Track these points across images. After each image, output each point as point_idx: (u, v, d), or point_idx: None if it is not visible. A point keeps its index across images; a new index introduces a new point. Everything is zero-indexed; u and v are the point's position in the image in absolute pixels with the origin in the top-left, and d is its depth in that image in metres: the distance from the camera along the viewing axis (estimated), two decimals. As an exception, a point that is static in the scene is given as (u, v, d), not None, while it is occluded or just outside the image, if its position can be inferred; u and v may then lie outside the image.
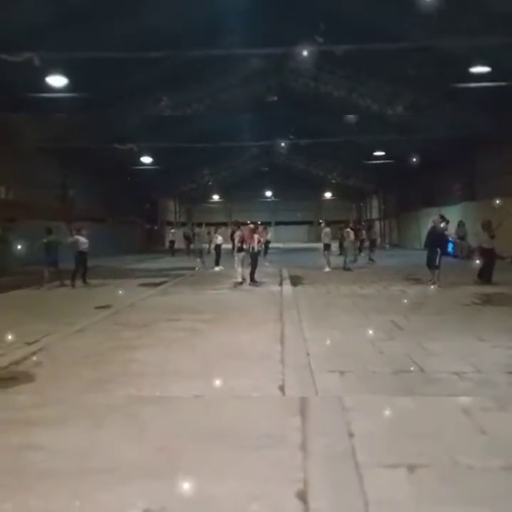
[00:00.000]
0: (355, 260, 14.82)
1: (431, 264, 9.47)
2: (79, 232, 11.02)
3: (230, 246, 14.06)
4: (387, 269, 13.14)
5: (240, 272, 10.24)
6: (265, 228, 18.42)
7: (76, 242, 10.65)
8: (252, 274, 10.27)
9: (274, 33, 13.57)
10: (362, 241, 17.44)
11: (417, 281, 9.96)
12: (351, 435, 2.64)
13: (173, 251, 22.94)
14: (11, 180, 16.06)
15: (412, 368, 4.03)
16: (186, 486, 2.29)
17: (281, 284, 10.09)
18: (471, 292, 8.41)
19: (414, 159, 21.23)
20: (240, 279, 10.14)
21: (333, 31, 11.76)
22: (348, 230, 14.77)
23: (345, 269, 12.98)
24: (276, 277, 11.15)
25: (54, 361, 4.44)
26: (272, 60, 15.20)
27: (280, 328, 5.73)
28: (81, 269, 10.59)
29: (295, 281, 10.69)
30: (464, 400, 3.12)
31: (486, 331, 5.29)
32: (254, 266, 10.32)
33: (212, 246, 14.43)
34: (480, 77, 11.37)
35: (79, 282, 10.38)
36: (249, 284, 10.02)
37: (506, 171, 16.42)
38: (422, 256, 10.27)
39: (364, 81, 16.30)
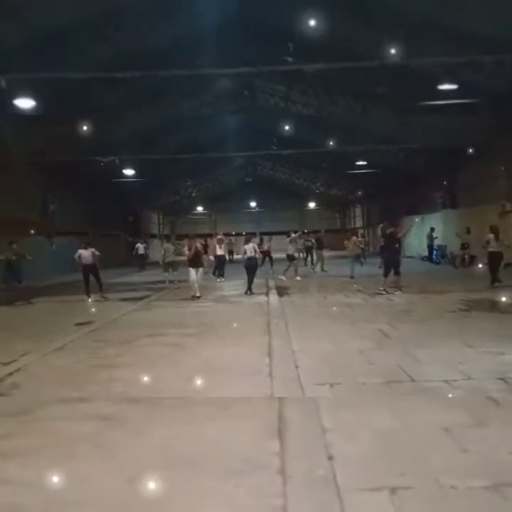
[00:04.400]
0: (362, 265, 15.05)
1: (388, 272, 9.65)
2: (89, 245, 10.69)
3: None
4: (373, 278, 13.19)
5: (196, 285, 9.81)
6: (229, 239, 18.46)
7: (79, 256, 10.39)
8: (249, 284, 10.18)
9: (245, 54, 13.69)
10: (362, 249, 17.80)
11: (405, 288, 9.98)
12: (331, 457, 2.52)
13: (142, 265, 22.18)
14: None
15: (402, 378, 3.96)
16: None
17: (267, 295, 9.98)
18: (455, 299, 8.46)
19: (397, 169, 21.63)
20: (197, 294, 9.74)
21: (303, 51, 11.96)
22: (359, 238, 14.98)
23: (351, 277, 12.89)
24: (263, 288, 11.04)
25: (32, 382, 4.22)
26: (242, 79, 15.34)
27: (268, 340, 5.61)
28: (96, 282, 10.47)
29: (281, 291, 10.61)
30: (444, 417, 3.01)
31: (473, 337, 5.28)
32: (251, 277, 10.25)
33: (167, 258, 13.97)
34: (449, 93, 11.73)
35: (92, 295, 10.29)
36: (247, 294, 9.98)
37: (482, 181, 16.86)
38: (407, 263, 10.34)
39: (335, 100, 16.46)
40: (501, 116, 13.82)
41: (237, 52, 13.51)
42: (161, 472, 2.51)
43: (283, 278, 13.11)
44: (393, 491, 2.19)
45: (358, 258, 13.62)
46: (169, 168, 23.34)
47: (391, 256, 9.85)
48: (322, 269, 15.46)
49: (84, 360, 4.94)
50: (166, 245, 14.20)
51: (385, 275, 9.73)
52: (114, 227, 27.54)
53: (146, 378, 4.33)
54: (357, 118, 17.71)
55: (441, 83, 11.38)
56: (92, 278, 10.48)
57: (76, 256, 10.44)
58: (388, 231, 10.24)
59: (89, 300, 10.16)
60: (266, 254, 14.84)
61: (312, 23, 11.63)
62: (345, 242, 14.48)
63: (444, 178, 20.41)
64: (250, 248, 10.39)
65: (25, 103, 11.08)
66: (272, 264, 15.83)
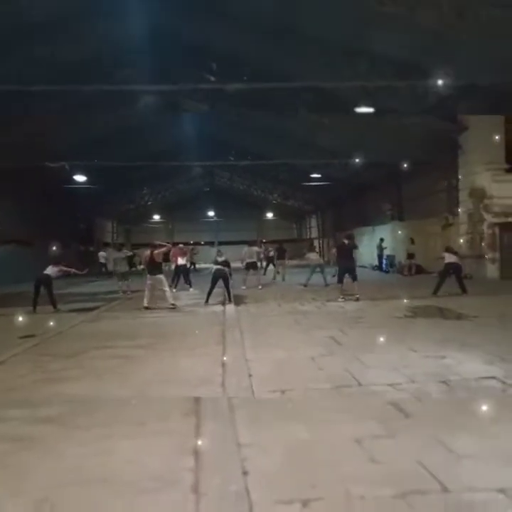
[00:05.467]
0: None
1: (342, 280, 10.18)
2: (58, 264, 10.26)
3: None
4: (327, 286, 13.55)
5: (148, 295, 9.68)
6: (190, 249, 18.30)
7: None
8: (229, 294, 10.16)
9: (165, 71, 13.64)
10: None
11: (352, 296, 10.35)
12: (245, 472, 2.52)
13: (104, 274, 21.87)
14: None
15: (350, 382, 4.10)
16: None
17: (224, 304, 9.96)
18: (402, 305, 8.89)
19: (348, 181, 22.51)
20: (145, 304, 9.56)
21: (224, 71, 12.29)
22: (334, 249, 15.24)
23: (327, 285, 13.12)
24: (220, 297, 11.00)
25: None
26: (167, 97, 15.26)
27: (222, 350, 5.59)
28: (38, 295, 9.86)
29: (238, 300, 10.62)
30: (354, 427, 3.08)
31: (417, 342, 5.57)
32: (228, 286, 10.24)
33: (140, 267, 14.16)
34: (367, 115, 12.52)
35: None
36: (205, 304, 9.91)
37: (427, 194, 17.99)
38: (359, 272, 10.72)
39: (256, 118, 16.73)
40: (440, 134, 14.88)
41: (163, 69, 13.43)
42: (73, 491, 2.40)
43: (244, 287, 13.15)
44: (305, 503, 2.22)
45: (321, 268, 13.93)
46: (124, 175, 22.77)
47: (345, 265, 10.26)
48: (283, 279, 15.69)
49: (27, 374, 4.67)
50: (117, 255, 13.84)
51: (340, 282, 10.18)
52: (63, 235, 26.36)
53: (90, 392, 4.15)
54: (309, 134, 18.30)
55: (359, 105, 12.12)
56: (43, 291, 9.93)
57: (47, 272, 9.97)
58: (342, 242, 10.67)
59: (36, 312, 9.62)
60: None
61: (235, 45, 11.96)
62: (306, 251, 14.81)
63: (392, 191, 21.53)
64: (219, 260, 10.56)
65: None
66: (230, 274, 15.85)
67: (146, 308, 9.45)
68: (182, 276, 13.63)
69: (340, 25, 10.14)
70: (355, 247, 10.71)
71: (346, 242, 10.43)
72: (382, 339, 6.01)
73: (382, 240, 19.95)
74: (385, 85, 10.82)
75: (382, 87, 11.05)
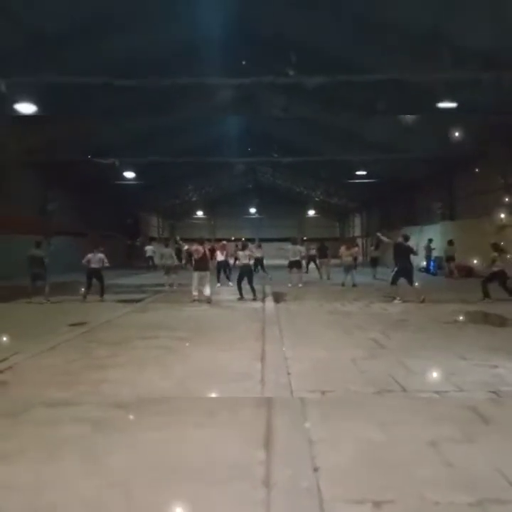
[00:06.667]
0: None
1: (396, 282, 9.82)
2: (99, 251, 10.78)
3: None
4: (370, 287, 13.19)
5: (195, 288, 10.00)
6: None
7: (88, 260, 10.54)
8: (252, 290, 10.28)
9: (245, 65, 13.65)
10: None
11: (392, 298, 9.95)
12: (316, 469, 2.50)
13: (151, 267, 22.66)
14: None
15: (393, 387, 3.94)
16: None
17: (263, 301, 9.96)
18: (451, 310, 8.45)
19: (396, 178, 21.70)
20: (196, 297, 9.90)
21: (305, 63, 12.03)
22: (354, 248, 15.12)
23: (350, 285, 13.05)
24: (259, 294, 11.03)
25: (21, 381, 4.19)
26: (243, 90, 15.27)
27: (261, 345, 5.59)
28: (98, 285, 10.54)
29: (278, 298, 10.59)
30: (431, 430, 2.98)
31: (466, 349, 5.27)
32: (251, 281, 10.38)
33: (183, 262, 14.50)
34: (448, 110, 11.78)
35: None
36: (253, 300, 10.02)
37: (481, 193, 16.95)
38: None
39: (338, 112, 16.45)
40: (497, 129, 13.94)
41: (238, 62, 13.50)
42: (146, 476, 2.48)
43: (290, 285, 13.17)
44: (377, 504, 2.17)
45: (349, 268, 13.64)
46: (170, 171, 23.40)
47: (402, 266, 9.82)
48: (328, 278, 15.50)
49: (75, 360, 4.91)
50: (165, 250, 14.35)
51: (394, 283, 9.85)
52: (112, 228, 27.55)
53: (135, 381, 4.29)
54: (357, 128, 17.79)
55: (441, 100, 11.45)
56: (95, 281, 10.56)
57: (84, 261, 10.58)
58: (398, 241, 10.15)
59: (85, 301, 10.13)
60: (258, 261, 15.00)
61: (314, 36, 11.69)
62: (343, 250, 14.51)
63: (443, 189, 20.51)
64: (244, 255, 10.65)
65: (25, 108, 11.14)
66: (264, 270, 15.91)
67: (194, 300, 9.80)
68: (222, 271, 13.87)
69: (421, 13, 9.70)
70: (413, 251, 10.19)
71: (402, 241, 9.99)
72: (428, 344, 5.73)
73: (430, 240, 19.08)
74: (467, 78, 10.17)
75: (464, 80, 10.39)
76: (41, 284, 10.48)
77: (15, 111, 11.15)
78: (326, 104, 15.14)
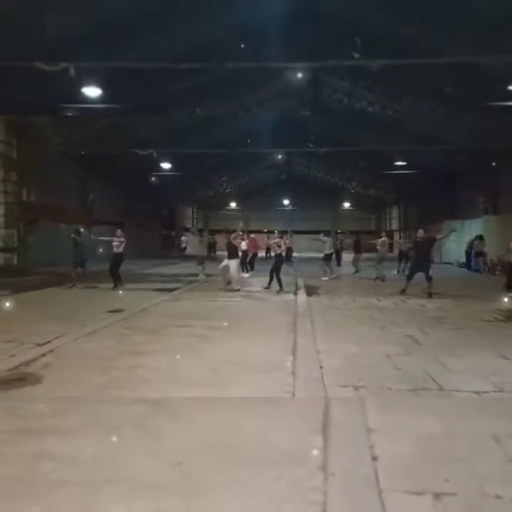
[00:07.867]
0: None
1: (411, 278, 9.86)
2: (120, 235, 11.08)
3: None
4: (401, 281, 12.82)
5: (224, 277, 10.43)
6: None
7: (111, 243, 10.95)
8: (279, 281, 10.30)
9: (310, 48, 13.29)
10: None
11: (437, 294, 9.64)
12: (375, 458, 2.48)
13: (185, 257, 23.18)
14: (32, 183, 16.45)
15: (430, 386, 3.82)
16: (200, 503, 2.16)
17: (295, 294, 9.92)
18: (491, 308, 8.08)
19: (437, 170, 20.83)
20: (230, 285, 10.28)
21: (369, 47, 11.56)
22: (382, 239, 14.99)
23: (381, 279, 12.96)
24: (291, 286, 10.98)
25: (62, 363, 4.41)
26: (307, 74, 14.95)
27: (292, 338, 5.58)
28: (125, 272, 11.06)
29: (310, 291, 10.51)
30: (493, 424, 2.90)
31: (507, 348, 5.03)
32: (278, 273, 10.41)
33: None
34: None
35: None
36: (277, 292, 10.02)
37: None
38: (443, 269, 9.99)
39: (398, 97, 15.91)
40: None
41: (299, 47, 13.11)
42: (203, 458, 2.53)
43: (326, 278, 13.13)
44: (437, 496, 2.14)
45: (380, 261, 13.53)
46: (205, 162, 23.62)
47: (417, 263, 9.89)
48: (358, 271, 15.40)
49: (113, 345, 5.11)
50: (197, 240, 14.72)
51: (409, 279, 9.93)
52: (148, 219, 28.25)
53: (171, 367, 4.40)
54: (398, 117, 17.15)
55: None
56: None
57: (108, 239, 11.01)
58: (418, 238, 10.06)
59: (121, 288, 10.48)
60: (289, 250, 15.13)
61: (379, 18, 11.25)
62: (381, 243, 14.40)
63: (487, 182, 19.49)
64: (274, 245, 10.89)
65: (92, 92, 11.80)
66: (290, 260, 15.95)
67: (228, 289, 10.09)
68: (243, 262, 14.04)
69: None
70: (434, 239, 10.07)
71: (421, 237, 9.88)
72: (466, 342, 5.51)
73: (478, 237, 18.20)
74: None
75: None
76: (82, 271, 10.96)
77: (83, 94, 11.67)
78: (389, 88, 14.66)
